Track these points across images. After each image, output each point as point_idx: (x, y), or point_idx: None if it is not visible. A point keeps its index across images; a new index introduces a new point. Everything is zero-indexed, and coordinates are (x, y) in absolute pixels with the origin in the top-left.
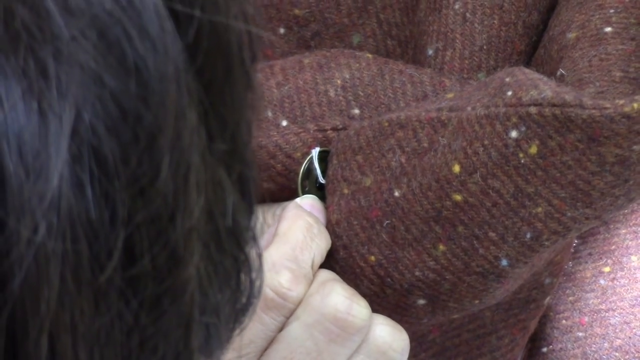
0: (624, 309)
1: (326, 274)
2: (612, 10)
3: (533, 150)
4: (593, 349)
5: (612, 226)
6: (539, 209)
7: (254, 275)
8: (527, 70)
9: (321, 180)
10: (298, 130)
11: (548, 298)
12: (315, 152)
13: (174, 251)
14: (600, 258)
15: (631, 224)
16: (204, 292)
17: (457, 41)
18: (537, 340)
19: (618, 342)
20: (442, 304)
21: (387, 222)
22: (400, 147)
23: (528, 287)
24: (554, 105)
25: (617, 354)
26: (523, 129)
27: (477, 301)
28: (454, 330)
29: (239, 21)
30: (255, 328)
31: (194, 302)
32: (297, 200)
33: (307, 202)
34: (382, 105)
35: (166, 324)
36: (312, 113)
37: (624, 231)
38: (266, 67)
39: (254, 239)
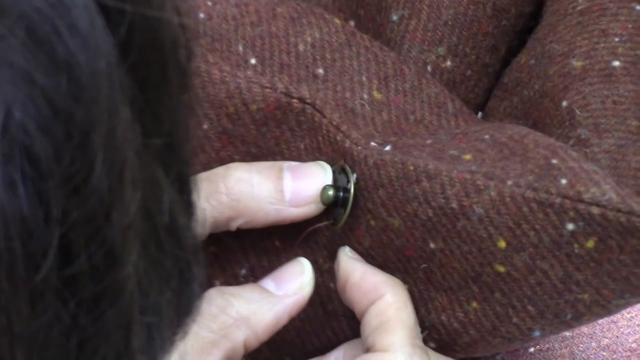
0: None
1: (429, 349)
2: (617, 39)
3: (590, 244)
4: (580, 348)
5: None
6: (586, 296)
7: (195, 276)
8: (573, 154)
9: (349, 207)
10: (265, 84)
11: None
12: (354, 177)
13: (111, 249)
14: None
15: None
16: (143, 291)
17: (424, 12)
18: None
19: (605, 341)
20: (451, 353)
21: (424, 265)
22: (427, 200)
23: None
24: (619, 211)
25: (604, 353)
26: (581, 224)
27: (486, 354)
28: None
29: (172, 15)
30: None
31: (134, 301)
32: (348, 252)
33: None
34: (346, 74)
35: (106, 325)
36: (280, 60)
37: None
38: (241, 5)
39: (195, 238)
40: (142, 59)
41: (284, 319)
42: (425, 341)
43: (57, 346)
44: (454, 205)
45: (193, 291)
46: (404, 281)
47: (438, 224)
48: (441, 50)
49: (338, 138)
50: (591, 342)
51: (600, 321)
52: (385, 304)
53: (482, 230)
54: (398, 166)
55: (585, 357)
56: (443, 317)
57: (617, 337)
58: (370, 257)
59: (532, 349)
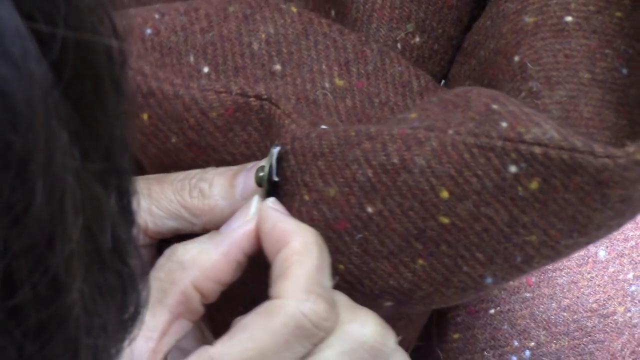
0: (571, 269)
1: (342, 296)
2: None
3: (534, 186)
4: (541, 309)
5: None
6: (533, 237)
7: (139, 285)
8: (512, 100)
9: (275, 178)
10: (219, 89)
11: None
12: (276, 151)
13: (55, 277)
14: None
15: None
16: (89, 313)
17: None
18: (484, 302)
19: (566, 301)
20: (410, 306)
21: (359, 235)
22: (367, 159)
23: None
24: (561, 148)
25: (565, 313)
26: (524, 165)
27: (444, 305)
28: None
29: (105, 33)
30: (284, 356)
31: (80, 325)
32: (270, 202)
33: (278, 205)
34: (305, 66)
35: (52, 351)
36: (235, 63)
37: None
38: (191, 11)
39: (136, 248)
40: (76, 79)
41: (234, 254)
42: (380, 303)
43: None
44: (395, 160)
45: (139, 298)
46: (337, 262)
47: (378, 183)
48: (410, 26)
49: (286, 122)
50: (552, 302)
51: (560, 282)
52: (289, 251)
53: (424, 182)
54: (340, 134)
55: (545, 318)
56: (391, 282)
57: (578, 297)
58: None
59: (492, 311)
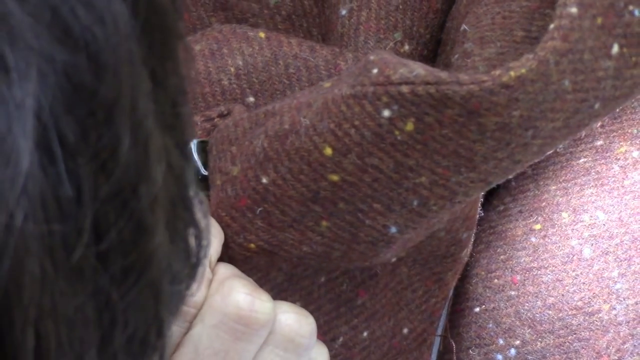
0: (555, 267)
1: (224, 269)
2: None
3: (409, 127)
4: (526, 307)
5: (541, 183)
6: (423, 179)
7: (203, 236)
8: (393, 54)
9: (203, 172)
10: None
11: (465, 251)
12: (194, 143)
13: (140, 222)
14: (531, 215)
15: (561, 180)
16: (169, 262)
17: (373, 1)
18: (469, 300)
19: (551, 300)
20: (334, 265)
21: (260, 209)
22: (265, 132)
23: (446, 244)
24: (427, 83)
25: (550, 312)
26: (395, 107)
27: (367, 263)
28: (381, 291)
29: None
30: None
31: (162, 271)
32: None
33: None
34: (277, 92)
35: (137, 297)
36: (207, 104)
37: (553, 187)
38: None
39: (199, 201)
40: (147, 24)
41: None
42: (297, 263)
43: (92, 323)
44: (286, 126)
45: (200, 251)
46: (247, 241)
47: (270, 151)
48: (397, 35)
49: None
50: (537, 301)
51: (545, 280)
52: None
53: (308, 142)
54: (252, 117)
55: (531, 316)
56: (305, 249)
57: (563, 295)
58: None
59: (477, 309)
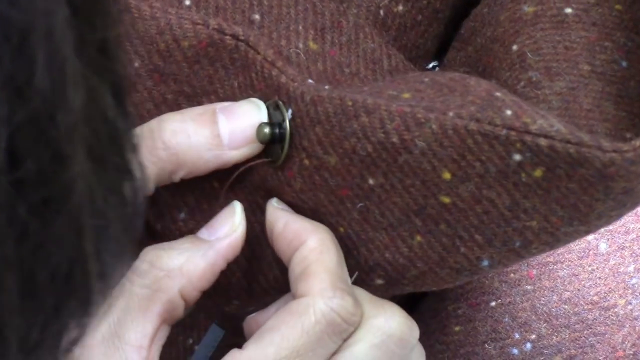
0: (572, 261)
1: (362, 291)
2: None
3: (537, 174)
4: (542, 301)
5: None
6: (534, 223)
7: (137, 182)
8: (513, 95)
9: (287, 141)
10: (197, 20)
11: None
12: (289, 113)
13: (57, 150)
14: None
15: None
16: (91, 196)
17: None
18: (485, 295)
19: (567, 294)
20: (400, 287)
21: (360, 204)
22: (365, 135)
23: None
24: (568, 142)
25: (565, 306)
26: (528, 154)
27: (435, 288)
28: None
29: None
30: (318, 353)
31: (83, 205)
32: (274, 202)
33: (282, 204)
34: (282, 22)
35: (57, 229)
36: (216, 3)
37: None
38: None
39: (134, 147)
40: None
41: (220, 264)
42: (372, 279)
43: (9, 255)
44: (395, 139)
45: (136, 198)
46: (338, 224)
47: (378, 159)
48: None
49: (273, 73)
50: (553, 295)
51: (561, 274)
52: (306, 250)
53: (426, 163)
54: (336, 102)
55: (547, 311)
56: (387, 255)
57: (579, 290)
58: (301, 201)
59: (493, 303)
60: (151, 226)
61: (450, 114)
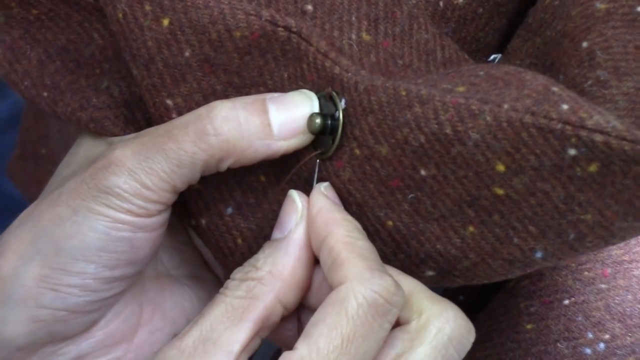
0: None
1: (422, 288)
2: None
3: (592, 168)
4: (616, 301)
5: None
6: (589, 216)
7: None
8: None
9: (339, 131)
10: (249, 11)
11: None
12: (342, 103)
13: None
14: None
15: None
16: None
17: None
18: (559, 293)
19: None
20: (450, 279)
21: (412, 195)
22: (419, 125)
23: None
24: (624, 139)
25: None
26: (584, 150)
27: (486, 281)
28: None
29: None
30: (369, 338)
31: None
32: (323, 188)
33: (330, 191)
34: (335, 13)
35: None
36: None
37: None
38: None
39: None
40: None
41: (305, 255)
42: (422, 271)
43: None
44: (448, 131)
45: None
46: (386, 218)
47: (430, 150)
48: None
49: (327, 64)
50: (627, 294)
51: (636, 273)
52: (333, 240)
53: (479, 155)
54: (390, 91)
55: (621, 310)
56: (438, 246)
57: None
58: (347, 193)
59: (566, 302)
60: (196, 221)
61: (505, 106)
